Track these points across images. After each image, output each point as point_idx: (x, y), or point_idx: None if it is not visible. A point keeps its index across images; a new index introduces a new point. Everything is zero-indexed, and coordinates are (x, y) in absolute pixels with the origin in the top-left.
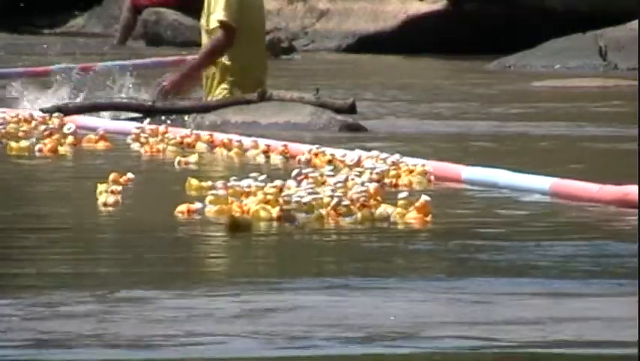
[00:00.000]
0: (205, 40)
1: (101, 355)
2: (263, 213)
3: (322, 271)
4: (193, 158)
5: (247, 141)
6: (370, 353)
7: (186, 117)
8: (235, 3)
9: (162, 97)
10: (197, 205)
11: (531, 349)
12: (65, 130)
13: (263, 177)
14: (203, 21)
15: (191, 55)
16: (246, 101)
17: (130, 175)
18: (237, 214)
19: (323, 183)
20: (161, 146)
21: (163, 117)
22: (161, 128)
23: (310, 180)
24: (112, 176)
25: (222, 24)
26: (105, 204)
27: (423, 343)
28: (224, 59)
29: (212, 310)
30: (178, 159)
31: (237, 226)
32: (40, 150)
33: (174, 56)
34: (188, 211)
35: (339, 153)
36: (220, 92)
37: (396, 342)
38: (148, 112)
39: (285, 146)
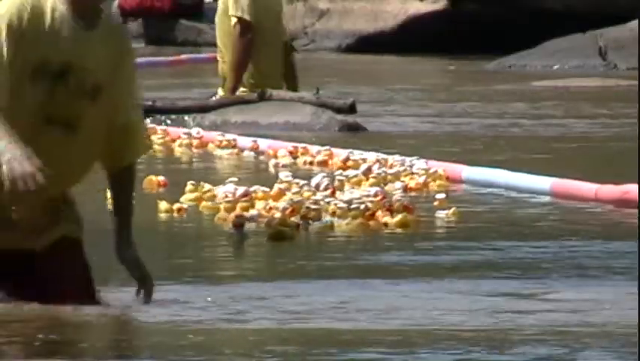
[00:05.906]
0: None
1: None
2: (289, 221)
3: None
4: (285, 160)
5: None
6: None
7: (186, 117)
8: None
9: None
10: (251, 213)
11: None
12: None
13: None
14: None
15: (188, 55)
16: (246, 100)
17: (162, 178)
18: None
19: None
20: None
21: (163, 117)
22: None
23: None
24: (147, 178)
25: (237, 19)
26: (166, 211)
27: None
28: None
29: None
30: (274, 161)
31: (281, 236)
32: None
33: (170, 57)
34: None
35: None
36: (239, 94)
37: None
38: (148, 112)
39: (305, 148)
